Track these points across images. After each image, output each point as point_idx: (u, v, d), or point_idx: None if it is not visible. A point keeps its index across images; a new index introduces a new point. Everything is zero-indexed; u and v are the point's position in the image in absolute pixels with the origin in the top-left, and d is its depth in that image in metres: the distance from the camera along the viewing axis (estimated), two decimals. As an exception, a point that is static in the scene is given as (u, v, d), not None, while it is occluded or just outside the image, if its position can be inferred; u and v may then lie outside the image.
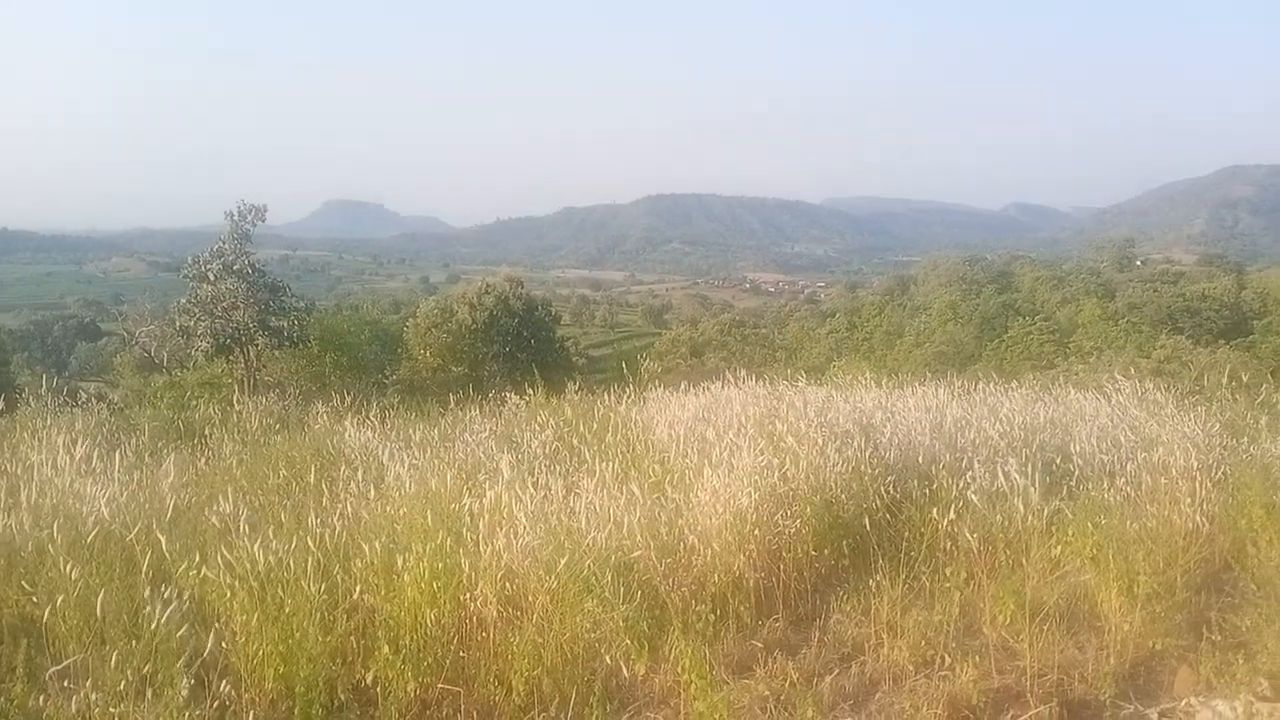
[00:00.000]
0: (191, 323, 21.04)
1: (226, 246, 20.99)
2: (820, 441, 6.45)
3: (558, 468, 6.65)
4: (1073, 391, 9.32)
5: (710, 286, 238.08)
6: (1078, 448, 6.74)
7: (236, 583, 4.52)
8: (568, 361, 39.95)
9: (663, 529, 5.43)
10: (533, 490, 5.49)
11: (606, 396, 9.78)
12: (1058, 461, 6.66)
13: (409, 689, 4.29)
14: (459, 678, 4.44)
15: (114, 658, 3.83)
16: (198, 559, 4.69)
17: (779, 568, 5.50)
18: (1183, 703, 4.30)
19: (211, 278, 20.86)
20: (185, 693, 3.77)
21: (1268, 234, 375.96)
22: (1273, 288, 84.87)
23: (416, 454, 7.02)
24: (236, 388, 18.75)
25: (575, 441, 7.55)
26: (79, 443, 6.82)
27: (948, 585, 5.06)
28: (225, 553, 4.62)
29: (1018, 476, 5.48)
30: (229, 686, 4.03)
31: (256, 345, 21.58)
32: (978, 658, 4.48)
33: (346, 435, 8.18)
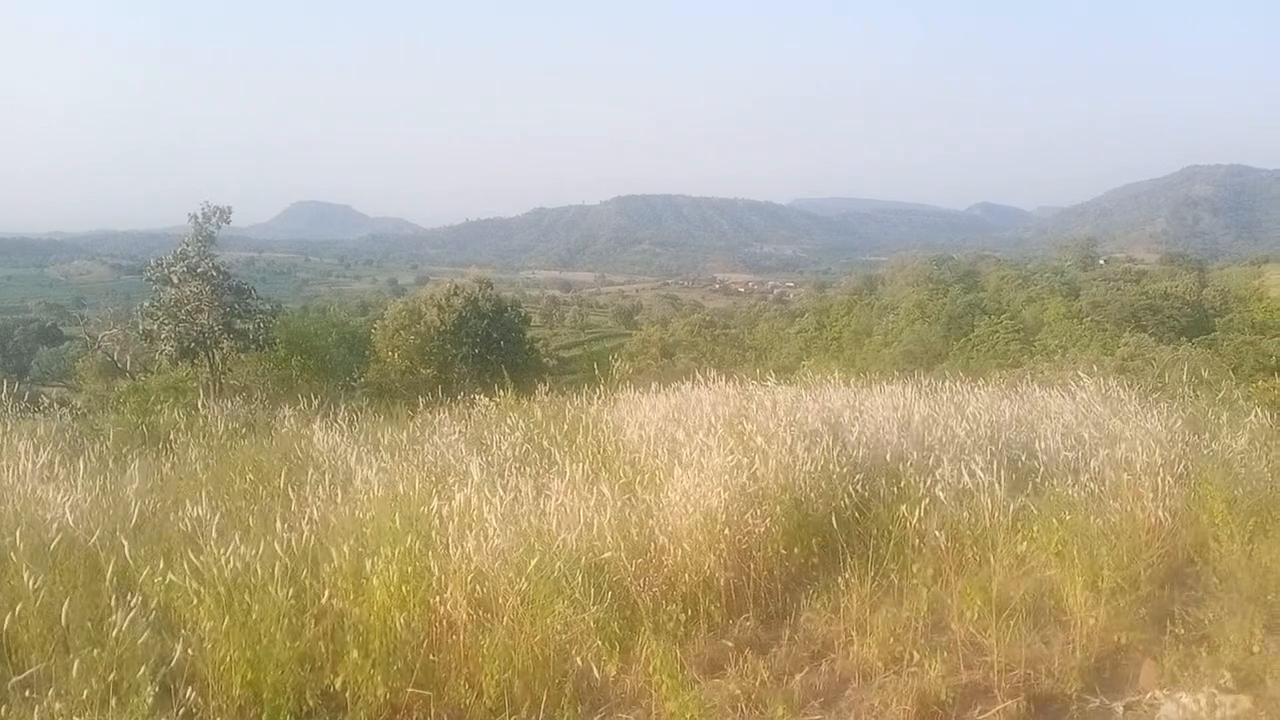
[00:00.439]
0: (155, 326, 20.72)
1: (190, 249, 20.69)
2: (789, 440, 6.47)
3: (528, 469, 6.64)
4: (1038, 389, 9.41)
5: (680, 287, 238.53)
6: (1043, 445, 6.81)
7: (203, 589, 4.48)
8: (538, 363, 39.89)
9: (633, 529, 5.43)
10: (502, 492, 5.48)
11: (577, 398, 9.77)
12: (1023, 458, 6.74)
13: (378, 694, 4.27)
14: (429, 681, 4.42)
15: (77, 666, 3.78)
16: (163, 565, 4.65)
17: (749, 567, 5.52)
18: (1147, 696, 4.36)
19: (175, 280, 20.56)
20: (150, 700, 3.73)
21: (1228, 233, 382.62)
22: (1233, 285, 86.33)
23: (385, 457, 6.98)
24: (202, 392, 18.51)
25: (545, 443, 7.53)
26: (41, 449, 6.73)
27: (916, 582, 5.11)
28: (191, 558, 4.58)
29: (982, 474, 5.54)
30: (195, 693, 3.99)
31: (222, 349, 21.29)
32: (946, 654, 4.52)
33: (314, 439, 8.11)
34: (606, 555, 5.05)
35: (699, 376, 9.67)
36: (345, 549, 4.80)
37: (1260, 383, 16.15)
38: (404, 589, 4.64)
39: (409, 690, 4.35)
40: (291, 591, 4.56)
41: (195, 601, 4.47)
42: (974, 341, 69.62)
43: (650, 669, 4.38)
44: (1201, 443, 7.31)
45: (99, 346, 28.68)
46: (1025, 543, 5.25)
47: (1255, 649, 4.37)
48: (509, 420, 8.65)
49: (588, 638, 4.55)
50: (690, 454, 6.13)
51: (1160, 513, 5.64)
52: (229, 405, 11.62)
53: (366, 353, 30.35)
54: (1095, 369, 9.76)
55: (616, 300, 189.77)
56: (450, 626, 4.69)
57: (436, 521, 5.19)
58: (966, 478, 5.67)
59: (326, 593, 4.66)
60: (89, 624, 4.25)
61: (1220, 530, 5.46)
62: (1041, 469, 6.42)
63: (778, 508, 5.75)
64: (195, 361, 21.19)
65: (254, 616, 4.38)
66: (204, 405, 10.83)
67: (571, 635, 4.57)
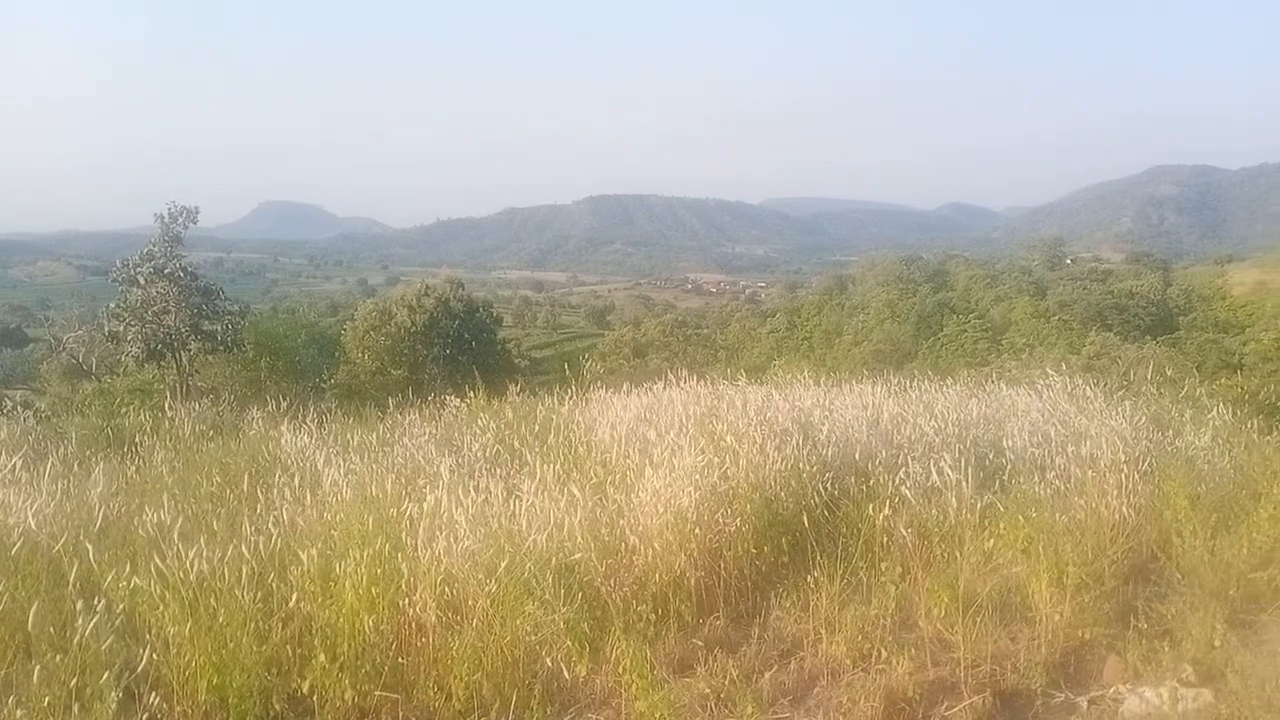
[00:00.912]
0: (121, 328, 20.44)
1: (157, 249, 20.42)
2: (760, 440, 6.50)
3: (499, 470, 6.62)
4: (1005, 388, 9.50)
5: (653, 287, 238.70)
6: (1010, 442, 6.89)
7: (168, 593, 4.44)
8: (510, 363, 39.75)
9: (604, 530, 5.44)
10: (473, 494, 5.46)
11: (549, 398, 9.76)
12: (991, 456, 6.80)
13: (346, 697, 4.24)
14: (398, 684, 4.40)
15: (39, 672, 3.73)
16: (128, 569, 4.60)
17: (720, 566, 5.54)
18: (1111, 690, 4.42)
19: (142, 281, 20.30)
20: (114, 706, 3.70)
21: (1192, 232, 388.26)
22: (1197, 285, 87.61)
23: (355, 459, 6.94)
24: (168, 394, 18.29)
25: (516, 444, 7.52)
26: (4, 453, 6.64)
27: (884, 580, 5.14)
28: (157, 562, 4.53)
29: (950, 472, 5.59)
30: (160, 699, 3.96)
31: (189, 350, 21.04)
32: (913, 650, 4.56)
33: (283, 441, 8.04)
34: (577, 556, 5.05)
35: (671, 376, 9.69)
36: (314, 552, 4.77)
37: (1223, 380, 16.40)
38: (373, 591, 4.62)
39: (377, 693, 4.33)
40: (258, 595, 4.53)
41: (160, 606, 4.43)
42: (943, 340, 70.28)
43: (620, 669, 4.39)
44: (1165, 440, 7.41)
45: (64, 348, 28.29)
46: (992, 540, 5.30)
47: (1217, 643, 4.43)
48: (480, 421, 8.62)
49: (558, 639, 4.55)
50: (662, 454, 6.14)
51: (1125, 509, 5.71)
52: (196, 407, 11.51)
53: (336, 354, 30.12)
54: (1062, 367, 9.85)
55: (589, 300, 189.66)
56: (419, 629, 4.68)
57: (406, 523, 5.17)
58: (934, 476, 5.71)
59: (295, 596, 4.63)
60: (51, 630, 4.19)
61: (1183, 526, 5.53)
62: (1009, 466, 6.48)
63: (748, 507, 5.78)
64: (162, 363, 20.93)
65: (220, 621, 4.34)
66: (171, 407, 10.71)
67: (541, 636, 4.57)
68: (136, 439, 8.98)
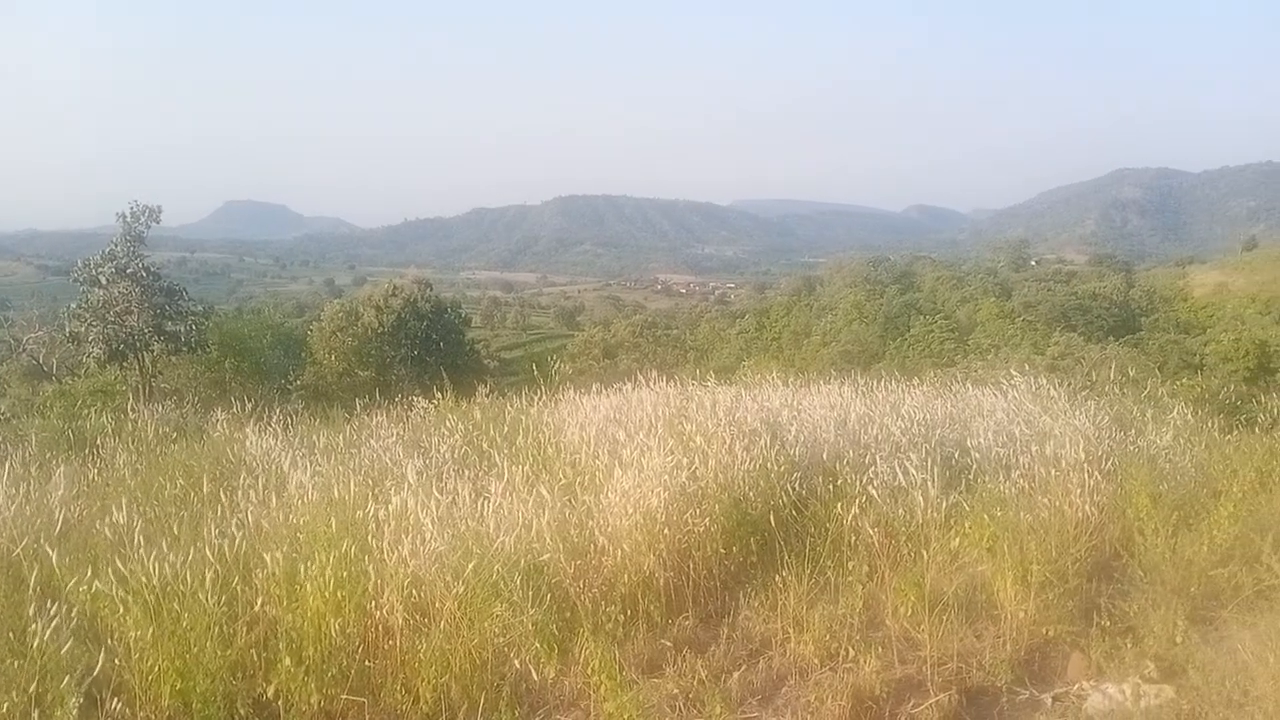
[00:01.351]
0: (82, 328, 20.17)
1: (119, 249, 20.18)
2: (729, 440, 6.51)
3: (467, 472, 6.59)
4: (971, 388, 9.58)
5: (623, 288, 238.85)
6: (975, 442, 6.94)
7: (130, 597, 4.38)
8: (478, 364, 39.61)
9: (573, 531, 5.43)
10: (440, 495, 5.43)
11: (518, 399, 9.73)
12: (956, 456, 6.86)
13: (312, 701, 4.21)
14: (364, 687, 4.37)
15: (-3, 677, 3.67)
16: (89, 573, 4.52)
17: (689, 566, 5.55)
18: (1075, 687, 4.46)
19: (104, 281, 20.04)
20: (75, 712, 3.64)
21: (1154, 234, 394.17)
22: (1159, 286, 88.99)
23: (321, 461, 6.88)
24: (131, 396, 18.08)
25: (485, 445, 7.49)
26: (-40, 456, 6.51)
27: (851, 579, 5.17)
28: (118, 566, 4.47)
29: (916, 472, 5.63)
30: (122, 704, 3.91)
31: (152, 351, 20.79)
32: (880, 649, 4.58)
33: (247, 443, 7.96)
34: (545, 557, 5.04)
35: (640, 377, 9.69)
36: (279, 555, 4.72)
37: (1184, 381, 16.68)
38: (339, 594, 4.58)
39: (343, 697, 4.29)
40: (222, 599, 4.48)
41: (122, 610, 4.37)
42: (910, 341, 70.89)
43: (589, 670, 4.38)
44: (1128, 439, 7.51)
45: (24, 349, 27.79)
46: (958, 539, 5.34)
47: (1178, 640, 4.49)
48: (448, 422, 8.58)
49: (526, 640, 4.54)
50: (631, 454, 6.13)
51: (1088, 508, 5.77)
52: (159, 409, 11.39)
53: (303, 355, 29.89)
54: (1027, 367, 9.96)
55: (558, 301, 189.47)
56: (386, 631, 4.64)
57: (373, 526, 5.13)
58: (901, 476, 5.75)
59: (259, 600, 4.59)
60: (10, 634, 4.13)
61: (1145, 524, 5.60)
62: (974, 466, 6.54)
63: (717, 507, 5.79)
64: (124, 364, 20.67)
65: (183, 625, 4.30)
66: (133, 409, 10.59)
67: (510, 638, 4.55)
68: (98, 441, 8.87)
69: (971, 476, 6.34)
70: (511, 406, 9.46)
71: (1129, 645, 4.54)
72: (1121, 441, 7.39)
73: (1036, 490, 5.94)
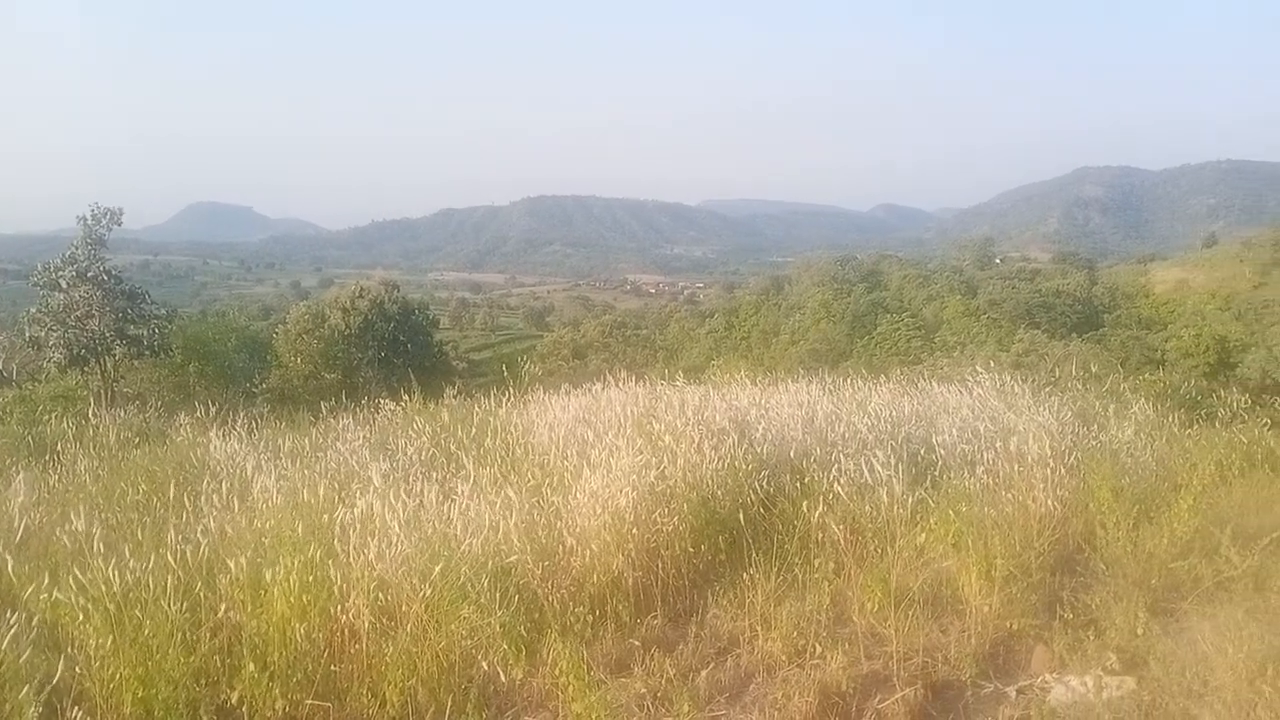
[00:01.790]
0: (42, 333, 19.88)
1: (80, 252, 19.91)
2: (697, 439, 6.53)
3: (434, 474, 6.56)
4: (936, 385, 9.66)
5: (592, 288, 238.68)
6: (941, 439, 7.00)
7: (90, 604, 4.32)
8: (446, 365, 39.42)
9: (541, 532, 5.42)
10: (407, 498, 5.40)
11: (486, 400, 9.69)
12: (922, 453, 6.91)
13: (277, 707, 4.17)
14: (330, 692, 4.33)
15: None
16: (48, 581, 4.45)
17: (657, 566, 5.56)
18: (1039, 680, 4.51)
19: (64, 285, 19.76)
20: (34, 721, 3.58)
21: (1116, 232, 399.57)
22: (1121, 283, 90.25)
23: (286, 465, 6.82)
24: (93, 401, 17.81)
25: (453, 447, 7.45)
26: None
27: (818, 576, 5.21)
28: (78, 574, 4.40)
29: (881, 469, 5.67)
30: (83, 713, 3.85)
31: (114, 355, 20.53)
32: (847, 645, 4.62)
33: (211, 447, 7.87)
34: (513, 559, 5.02)
35: (609, 378, 9.69)
36: (243, 560, 4.68)
37: (1145, 376, 16.93)
38: (304, 599, 4.55)
39: (309, 702, 4.26)
40: (185, 605, 4.44)
41: (82, 618, 4.31)
42: (877, 339, 71.42)
43: (557, 671, 4.37)
44: (1090, 434, 7.61)
45: (-18, 355, 27.33)
46: (923, 534, 5.39)
47: (1139, 631, 4.56)
48: (415, 425, 8.53)
49: (494, 642, 4.53)
50: (599, 455, 6.13)
51: (1051, 502, 5.84)
52: (121, 414, 11.24)
53: (268, 358, 29.59)
54: (992, 364, 10.06)
55: (528, 302, 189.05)
56: (353, 635, 4.61)
57: (338, 529, 5.10)
58: (867, 473, 5.79)
59: (223, 605, 4.54)
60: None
61: (1107, 518, 5.68)
62: (940, 462, 6.60)
63: (685, 506, 5.80)
64: (85, 369, 20.40)
65: (145, 632, 4.25)
66: (95, 414, 10.44)
67: (477, 640, 4.54)
68: (59, 447, 8.74)
69: (937, 473, 6.40)
70: (480, 408, 9.42)
71: (1091, 638, 4.60)
72: (1084, 437, 7.48)
73: (1001, 486, 6.00)
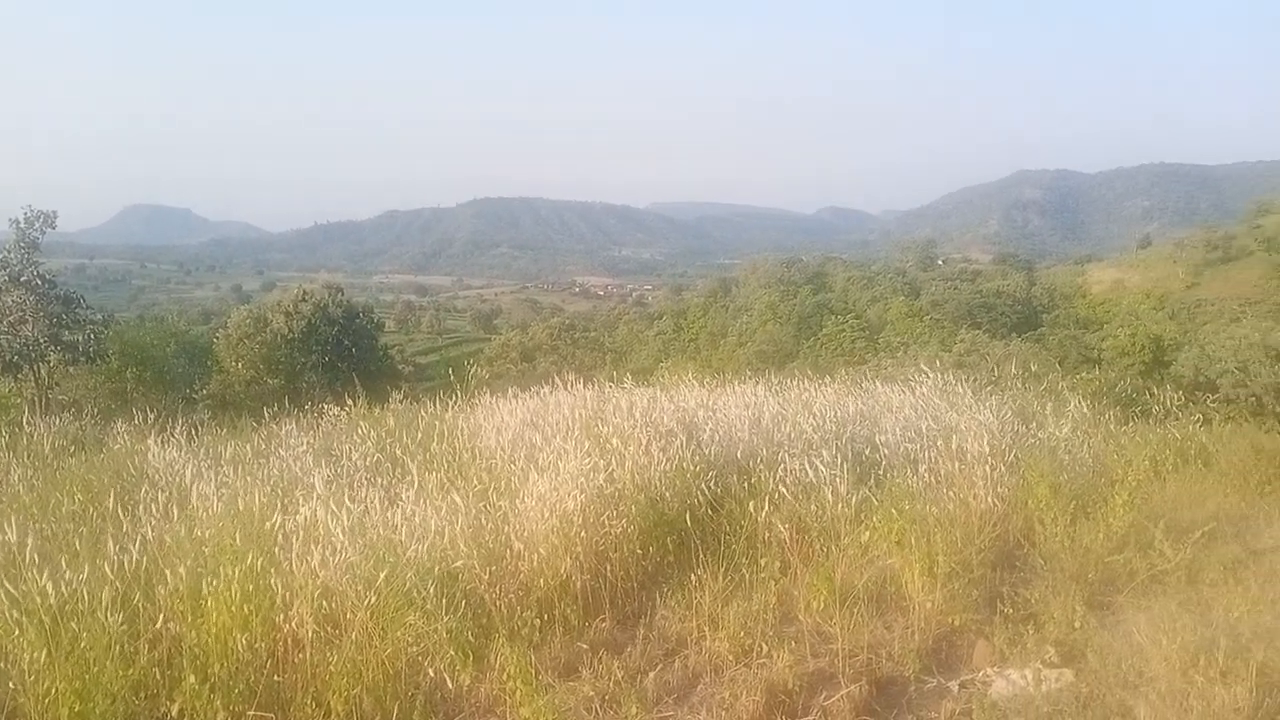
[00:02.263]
0: (-28, 339, 19.38)
1: (12, 256, 19.45)
2: (645, 441, 6.55)
3: (379, 480, 6.50)
4: (881, 385, 9.77)
5: (540, 290, 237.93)
6: (885, 438, 7.10)
7: (25, 617, 4.21)
8: (392, 370, 38.97)
9: (488, 536, 5.40)
10: (351, 504, 5.34)
11: (433, 405, 9.61)
12: (867, 452, 7.01)
13: (219, 718, 4.09)
14: (273, 703, 4.27)
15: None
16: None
17: (606, 568, 5.56)
18: (980, 674, 4.59)
19: (-4, 290, 19.28)
20: (-37, 740, 3.48)
21: (1054, 234, 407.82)
22: (1059, 284, 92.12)
23: (227, 472, 6.70)
24: (27, 408, 17.35)
25: (399, 452, 7.38)
26: None
27: (765, 575, 5.24)
28: (9, 587, 4.29)
29: (825, 469, 5.73)
30: (16, 729, 3.75)
31: (48, 362, 20.09)
32: (793, 643, 4.66)
33: (150, 455, 7.70)
34: (459, 564, 5.00)
35: (558, 380, 9.66)
36: (182, 570, 4.59)
37: (1082, 375, 17.32)
38: (246, 609, 4.48)
39: (251, 713, 4.19)
40: (123, 617, 4.34)
41: (16, 632, 4.20)
42: (823, 340, 72.14)
43: (505, 676, 4.36)
44: (1029, 432, 7.76)
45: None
46: (868, 533, 5.47)
47: (1077, 625, 4.67)
48: (360, 430, 8.44)
49: (440, 648, 4.50)
50: (547, 458, 6.12)
51: (991, 499, 5.96)
52: (57, 422, 10.95)
53: (209, 363, 29.06)
54: (935, 364, 10.21)
55: (475, 304, 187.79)
56: (296, 644, 4.55)
57: (280, 537, 5.03)
58: (812, 473, 5.85)
59: (161, 617, 4.45)
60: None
61: (1045, 514, 5.80)
62: (883, 461, 6.70)
63: (633, 508, 5.81)
64: (19, 376, 19.91)
65: (82, 645, 4.15)
66: (29, 422, 10.16)
67: (424, 647, 4.51)
68: (-10, 457, 8.48)
69: (881, 472, 6.48)
70: (426, 412, 9.35)
71: (1031, 631, 4.69)
72: (1023, 434, 7.63)
73: (943, 484, 6.11)
